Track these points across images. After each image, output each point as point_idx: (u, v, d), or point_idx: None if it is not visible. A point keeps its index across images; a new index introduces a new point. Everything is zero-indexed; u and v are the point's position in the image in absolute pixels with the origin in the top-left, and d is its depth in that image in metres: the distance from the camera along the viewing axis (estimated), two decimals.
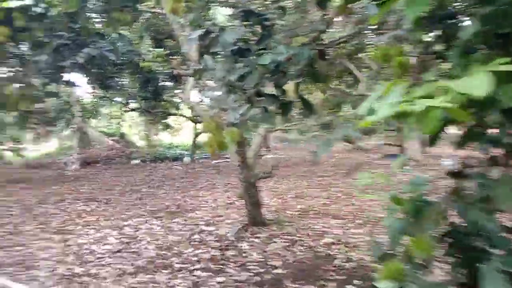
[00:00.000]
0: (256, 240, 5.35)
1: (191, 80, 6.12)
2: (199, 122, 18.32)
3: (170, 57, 5.33)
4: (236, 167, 5.72)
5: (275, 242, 5.24)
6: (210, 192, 9.69)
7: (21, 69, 4.65)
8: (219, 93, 2.09)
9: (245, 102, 1.95)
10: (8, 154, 19.26)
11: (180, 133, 43.95)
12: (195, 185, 10.93)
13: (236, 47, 2.09)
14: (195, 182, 11.45)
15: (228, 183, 10.85)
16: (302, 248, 5.02)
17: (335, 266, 4.39)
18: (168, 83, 14.43)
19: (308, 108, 1.98)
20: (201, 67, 2.29)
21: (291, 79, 1.87)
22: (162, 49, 5.36)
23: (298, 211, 7.27)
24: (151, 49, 5.53)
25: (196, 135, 18.31)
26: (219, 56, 2.27)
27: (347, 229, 5.94)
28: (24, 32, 4.15)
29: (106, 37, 4.43)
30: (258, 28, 2.21)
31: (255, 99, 1.93)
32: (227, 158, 19.75)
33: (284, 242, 5.25)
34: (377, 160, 16.76)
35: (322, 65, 2.26)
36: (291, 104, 1.96)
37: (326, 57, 2.12)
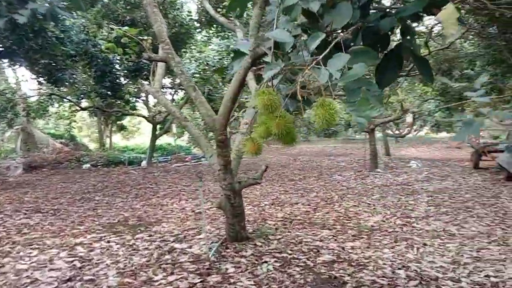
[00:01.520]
0: (242, 260, 4.42)
1: (161, 67, 5.11)
2: (159, 123, 17.12)
3: (139, 37, 4.31)
4: (201, 170, 4.79)
5: (265, 262, 4.34)
6: (175, 200, 8.64)
7: None
8: (286, 35, 1.17)
9: (333, 52, 1.07)
10: None
11: (136, 135, 42.05)
12: (156, 192, 9.82)
13: None
14: (156, 189, 10.33)
15: (196, 189, 9.85)
16: (299, 269, 4.16)
17: None
18: (127, 78, 13.15)
19: (425, 68, 1.15)
20: None
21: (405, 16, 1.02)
22: (128, 28, 4.35)
23: (281, 220, 6.43)
24: (114, 26, 4.51)
25: (155, 136, 17.02)
26: None
27: (343, 242, 5.15)
28: None
29: None
30: None
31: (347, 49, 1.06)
32: (187, 161, 18.64)
33: (276, 261, 4.37)
34: (343, 163, 16.30)
35: None
36: (398, 58, 1.10)
37: None
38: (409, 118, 15.23)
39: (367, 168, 13.23)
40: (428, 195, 8.35)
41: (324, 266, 4.26)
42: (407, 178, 11.04)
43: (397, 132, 26.47)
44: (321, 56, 1.07)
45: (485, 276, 3.78)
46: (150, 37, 4.65)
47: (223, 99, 4.03)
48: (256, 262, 4.36)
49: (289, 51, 1.19)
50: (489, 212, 6.64)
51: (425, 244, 4.97)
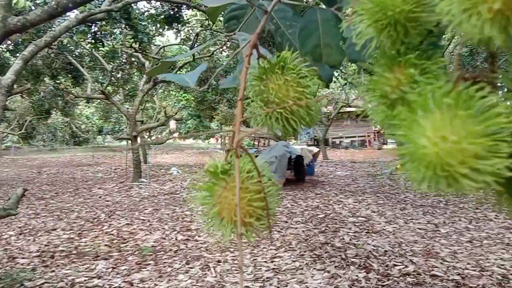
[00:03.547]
0: None
1: None
2: None
3: None
4: None
5: None
6: None
7: None
8: None
9: None
10: None
11: None
12: None
13: None
14: None
15: None
16: None
17: None
18: None
19: None
20: None
21: None
22: None
23: (37, 256, 4.95)
24: None
25: None
26: None
27: (128, 275, 4.26)
28: None
29: None
30: None
31: None
32: None
33: None
34: (100, 174, 14.89)
35: None
36: None
37: None
38: (172, 124, 15.17)
39: (130, 178, 12.32)
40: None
41: None
42: (174, 187, 10.76)
43: (154, 138, 26.41)
44: None
45: None
46: None
47: None
48: None
49: None
50: None
51: (219, 262, 4.60)
